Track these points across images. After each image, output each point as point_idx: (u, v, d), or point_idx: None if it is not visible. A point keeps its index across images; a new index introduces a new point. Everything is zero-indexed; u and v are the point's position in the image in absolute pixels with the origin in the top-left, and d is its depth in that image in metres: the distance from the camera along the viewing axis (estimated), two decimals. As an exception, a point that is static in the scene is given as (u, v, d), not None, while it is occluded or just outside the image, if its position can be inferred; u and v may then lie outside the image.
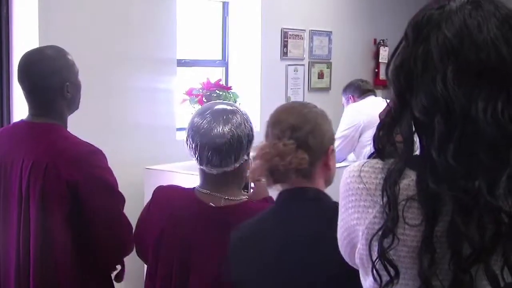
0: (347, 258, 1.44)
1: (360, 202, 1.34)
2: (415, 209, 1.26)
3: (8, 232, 2.48)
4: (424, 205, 1.24)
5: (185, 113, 5.66)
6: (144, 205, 2.45)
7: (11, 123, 4.38)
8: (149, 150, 4.94)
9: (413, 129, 1.28)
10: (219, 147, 2.20)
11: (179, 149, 5.16)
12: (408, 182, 1.27)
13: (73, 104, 2.63)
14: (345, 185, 1.38)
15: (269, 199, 2.53)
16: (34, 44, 4.29)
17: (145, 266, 2.77)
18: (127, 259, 2.71)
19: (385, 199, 1.27)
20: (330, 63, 6.97)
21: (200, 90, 5.64)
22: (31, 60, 2.59)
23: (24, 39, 4.40)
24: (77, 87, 2.63)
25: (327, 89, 6.94)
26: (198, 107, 5.56)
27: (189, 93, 5.64)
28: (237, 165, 2.25)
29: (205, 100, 5.56)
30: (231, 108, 2.31)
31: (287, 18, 6.42)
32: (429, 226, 1.23)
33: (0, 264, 2.51)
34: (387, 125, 1.33)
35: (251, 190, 2.57)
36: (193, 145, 2.24)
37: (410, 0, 8.10)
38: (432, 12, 1.29)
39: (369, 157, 1.38)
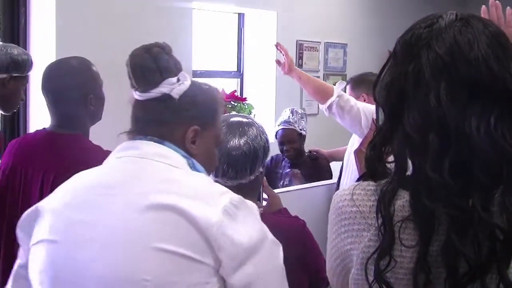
0: (338, 286, 1.42)
1: (353, 226, 1.32)
2: (411, 230, 1.25)
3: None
4: (419, 224, 1.23)
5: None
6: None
7: (29, 131, 4.42)
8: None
9: (406, 148, 1.27)
10: (235, 160, 2.20)
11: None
12: (402, 203, 1.26)
13: (96, 116, 2.62)
14: (337, 210, 1.35)
15: (283, 211, 2.53)
16: (51, 55, 4.33)
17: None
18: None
19: (380, 221, 1.26)
20: (345, 75, 6.98)
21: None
22: (55, 71, 2.60)
23: (42, 49, 4.43)
24: (100, 100, 2.62)
25: (341, 101, 6.91)
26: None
27: (204, 104, 5.67)
28: (252, 177, 2.25)
29: (220, 111, 5.58)
30: (246, 120, 2.31)
31: (302, 30, 6.43)
32: (424, 245, 1.22)
33: None
34: (378, 145, 1.32)
35: (264, 202, 2.57)
36: None
37: (425, 12, 8.10)
38: (421, 31, 1.29)
39: (359, 179, 1.37)
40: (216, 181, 2.28)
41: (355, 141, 3.88)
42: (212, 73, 6.00)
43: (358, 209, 1.31)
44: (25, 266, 1.60)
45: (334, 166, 4.94)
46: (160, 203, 1.44)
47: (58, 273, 1.49)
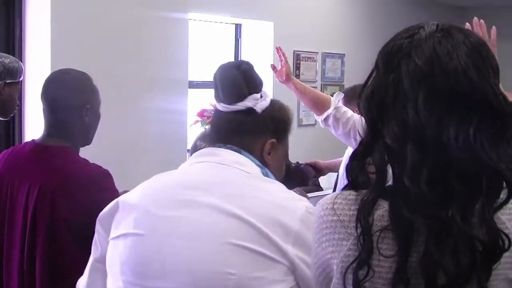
0: None
1: (334, 235, 1.31)
2: (389, 239, 1.24)
3: (10, 257, 2.46)
4: (398, 234, 1.22)
5: (196, 134, 5.66)
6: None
7: (24, 138, 4.41)
8: (160, 170, 4.90)
9: (386, 158, 1.27)
10: None
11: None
12: (382, 212, 1.26)
13: (89, 129, 2.58)
14: (319, 219, 1.35)
15: None
16: (47, 66, 4.32)
17: None
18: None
19: (359, 230, 1.25)
20: (343, 85, 6.97)
21: (212, 112, 5.64)
22: (56, 77, 2.61)
23: (37, 60, 4.42)
24: (96, 115, 2.60)
25: (339, 111, 6.91)
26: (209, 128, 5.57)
27: (201, 114, 5.65)
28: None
29: (216, 122, 5.56)
30: None
31: (299, 41, 6.43)
32: (403, 256, 1.21)
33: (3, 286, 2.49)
34: (360, 155, 1.32)
35: None
36: None
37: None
38: (402, 42, 1.28)
39: (343, 189, 1.37)
40: None
41: (350, 152, 3.85)
42: (209, 84, 5.96)
43: (338, 218, 1.31)
44: (101, 259, 1.75)
45: (330, 178, 4.90)
46: (242, 206, 1.58)
47: (146, 264, 1.62)
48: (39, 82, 4.33)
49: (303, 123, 6.51)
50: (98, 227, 1.77)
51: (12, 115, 3.18)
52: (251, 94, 1.81)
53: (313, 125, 6.59)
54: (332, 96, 3.62)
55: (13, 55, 4.32)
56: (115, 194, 2.47)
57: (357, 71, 7.10)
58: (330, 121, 3.54)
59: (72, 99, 2.53)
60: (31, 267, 2.39)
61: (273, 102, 1.88)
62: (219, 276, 1.53)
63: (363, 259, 1.24)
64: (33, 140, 2.60)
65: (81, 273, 2.38)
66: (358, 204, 1.28)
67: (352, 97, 4.09)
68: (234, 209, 1.57)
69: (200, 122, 5.66)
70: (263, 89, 1.86)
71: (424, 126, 1.21)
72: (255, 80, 1.85)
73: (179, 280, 1.57)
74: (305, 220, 1.57)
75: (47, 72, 4.31)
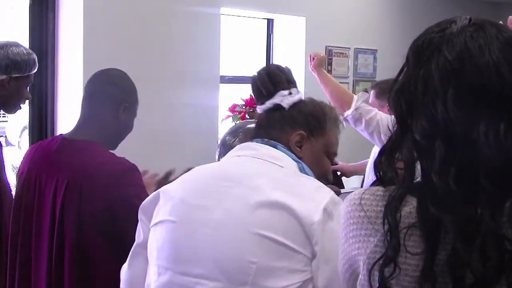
0: None
1: (361, 231, 1.30)
2: (416, 237, 1.22)
3: (39, 251, 2.47)
4: (425, 232, 1.20)
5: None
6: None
7: (57, 131, 4.46)
8: (191, 165, 4.90)
9: (414, 154, 1.25)
10: None
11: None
12: (410, 209, 1.24)
13: (120, 131, 2.59)
14: (346, 214, 1.34)
15: None
16: (79, 59, 4.35)
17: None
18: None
19: (386, 227, 1.24)
20: (375, 81, 6.90)
21: (243, 107, 5.64)
22: (99, 73, 2.62)
23: (69, 52, 4.45)
24: (131, 116, 2.60)
25: (371, 107, 6.87)
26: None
27: (232, 109, 5.65)
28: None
29: (247, 117, 5.56)
30: None
31: (331, 36, 6.40)
32: (430, 254, 1.19)
33: (32, 281, 2.50)
34: (388, 151, 1.30)
35: None
36: None
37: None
38: (433, 36, 1.26)
39: (372, 184, 1.35)
40: None
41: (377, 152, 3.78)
42: (240, 79, 5.97)
43: (365, 214, 1.30)
44: (142, 245, 1.83)
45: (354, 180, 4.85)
46: (270, 198, 1.63)
47: (177, 250, 1.70)
48: (72, 76, 4.41)
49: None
50: (140, 215, 1.86)
51: (17, 110, 3.08)
52: (278, 91, 1.91)
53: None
54: (357, 94, 3.58)
55: (46, 50, 4.38)
56: (141, 189, 2.47)
57: (390, 67, 7.00)
58: (350, 122, 3.50)
59: (110, 94, 2.54)
60: (60, 261, 2.40)
61: (307, 99, 1.95)
62: (241, 264, 1.59)
63: (389, 256, 1.22)
64: (61, 134, 2.61)
65: (108, 266, 2.41)
66: (385, 200, 1.26)
67: (384, 91, 4.00)
68: (263, 202, 1.63)
69: (231, 117, 5.66)
70: (294, 87, 1.95)
71: (453, 122, 1.19)
72: (280, 77, 1.95)
73: (206, 267, 1.64)
74: (329, 211, 1.62)
75: (79, 67, 4.37)
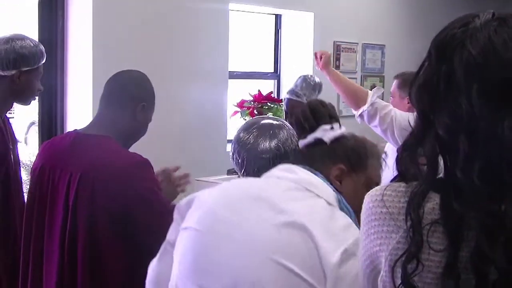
0: (367, 286, 1.38)
1: (383, 227, 1.29)
2: (440, 233, 1.21)
3: (51, 245, 2.49)
4: (448, 229, 1.20)
5: (236, 125, 5.68)
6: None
7: (66, 127, 4.47)
8: (200, 161, 4.96)
9: (437, 150, 1.24)
10: (265, 163, 2.18)
11: (230, 161, 5.20)
12: (432, 205, 1.23)
13: (135, 131, 2.61)
14: (367, 210, 1.33)
15: None
16: (88, 55, 4.37)
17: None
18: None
19: (408, 223, 1.23)
20: (383, 76, 6.93)
21: (251, 103, 5.65)
22: (125, 70, 2.66)
23: (78, 49, 4.47)
24: (147, 117, 2.62)
25: (379, 102, 6.88)
26: (249, 119, 5.57)
27: (240, 105, 5.66)
28: (283, 179, 2.23)
29: (256, 113, 5.56)
30: (277, 123, 2.28)
31: (339, 31, 6.40)
32: (453, 250, 1.18)
33: (43, 275, 2.52)
34: (410, 146, 1.28)
35: None
36: (239, 160, 2.22)
37: (467, 11, 8.01)
38: (456, 31, 1.24)
39: (392, 180, 1.34)
40: None
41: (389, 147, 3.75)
42: (249, 74, 5.99)
43: (387, 210, 1.29)
44: (173, 244, 1.82)
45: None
46: (297, 222, 1.61)
47: (198, 260, 1.69)
48: (81, 72, 4.43)
49: (342, 114, 6.48)
50: (176, 214, 1.86)
51: (32, 101, 3.13)
52: (320, 125, 1.92)
53: (353, 116, 6.56)
54: (373, 89, 3.55)
55: (55, 46, 4.40)
56: (154, 183, 2.49)
57: (398, 62, 7.04)
58: (366, 118, 3.47)
59: (130, 92, 2.56)
60: (72, 255, 2.41)
61: (347, 134, 1.95)
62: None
63: (412, 252, 1.21)
64: (75, 130, 2.63)
65: (121, 260, 2.43)
66: (408, 197, 1.25)
67: (407, 82, 3.92)
68: (288, 223, 1.62)
69: (239, 113, 5.67)
70: (336, 122, 1.95)
71: (477, 117, 1.18)
72: (322, 112, 1.96)
73: (222, 282, 1.64)
74: (351, 251, 1.58)
75: (88, 63, 4.39)
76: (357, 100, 3.52)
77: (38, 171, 2.57)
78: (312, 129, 1.94)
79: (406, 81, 3.91)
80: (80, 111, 4.46)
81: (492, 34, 1.21)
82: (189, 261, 1.71)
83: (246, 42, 6.03)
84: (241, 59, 5.87)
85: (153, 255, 2.53)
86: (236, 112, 5.69)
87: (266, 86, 6.03)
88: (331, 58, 3.68)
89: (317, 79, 4.88)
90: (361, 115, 3.47)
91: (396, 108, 3.90)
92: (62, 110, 4.53)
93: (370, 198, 1.34)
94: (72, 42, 4.51)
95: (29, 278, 2.56)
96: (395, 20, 7.11)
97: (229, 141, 5.49)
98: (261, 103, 5.65)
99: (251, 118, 5.51)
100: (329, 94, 5.77)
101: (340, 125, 1.95)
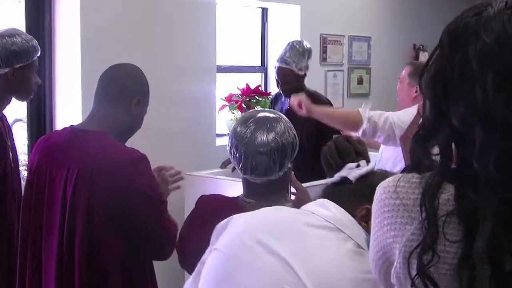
0: (381, 278, 1.39)
1: (396, 219, 1.29)
2: (455, 224, 1.21)
3: (49, 240, 2.49)
4: (464, 219, 1.20)
5: (224, 119, 5.68)
6: (185, 212, 2.45)
7: (55, 126, 4.45)
8: (189, 156, 4.95)
9: (451, 140, 1.24)
10: (263, 156, 2.19)
11: (219, 155, 5.19)
12: (447, 196, 1.23)
13: (130, 125, 2.62)
14: (380, 202, 1.33)
15: None
16: (77, 53, 4.35)
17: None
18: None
19: (423, 214, 1.23)
20: (369, 68, 6.94)
21: (240, 96, 5.65)
22: (119, 64, 2.68)
23: (66, 43, 4.45)
24: (142, 111, 2.63)
25: (366, 94, 6.91)
26: (237, 113, 5.57)
27: (229, 99, 5.66)
28: (281, 173, 2.24)
29: (244, 106, 5.56)
30: (274, 116, 2.29)
31: (326, 24, 6.40)
32: (469, 241, 1.19)
33: (42, 273, 2.52)
34: (423, 137, 1.29)
35: (293, 197, 2.55)
36: (237, 154, 2.23)
37: (449, 5, 8.04)
38: (469, 20, 1.24)
39: (403, 171, 1.36)
40: (244, 179, 2.27)
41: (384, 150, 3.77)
42: (236, 68, 5.98)
43: (401, 202, 1.29)
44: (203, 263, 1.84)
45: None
46: (313, 270, 1.62)
47: (218, 280, 1.72)
48: (69, 68, 4.41)
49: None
50: (213, 236, 1.85)
51: (30, 96, 3.14)
52: (345, 163, 1.90)
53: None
54: (363, 106, 3.55)
55: (43, 41, 4.37)
56: (152, 179, 2.50)
57: (384, 54, 7.08)
58: (368, 134, 3.48)
59: (125, 87, 2.57)
60: (70, 250, 2.42)
61: (375, 170, 1.93)
62: None
63: (428, 244, 1.21)
64: (71, 125, 2.63)
65: (116, 255, 2.43)
66: (422, 188, 1.25)
67: (417, 71, 3.85)
68: (299, 270, 1.62)
69: (228, 107, 5.67)
70: (364, 158, 1.93)
71: (493, 107, 1.17)
72: (348, 149, 1.94)
73: None
74: None
75: (77, 59, 4.37)
76: (352, 123, 3.55)
77: (35, 167, 2.57)
78: (338, 167, 1.91)
79: (418, 70, 3.83)
80: (69, 108, 4.44)
81: (506, 22, 1.20)
82: (211, 280, 1.73)
83: (233, 36, 6.02)
84: (228, 53, 5.86)
85: (150, 251, 2.54)
86: (224, 106, 5.69)
87: (253, 80, 6.03)
88: (308, 100, 3.65)
89: (306, 45, 4.82)
90: (363, 134, 3.48)
91: (401, 94, 3.91)
92: (51, 106, 4.51)
93: (382, 190, 1.33)
94: (59, 38, 4.49)
95: (27, 274, 2.56)
96: (380, 12, 7.12)
97: (218, 135, 5.51)
98: (249, 97, 5.65)
99: (240, 112, 5.52)
100: (316, 87, 5.79)
101: (368, 161, 1.92)
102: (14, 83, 3.01)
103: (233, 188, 3.91)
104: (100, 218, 2.40)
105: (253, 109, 2.38)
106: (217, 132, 5.48)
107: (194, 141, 5.09)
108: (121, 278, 2.45)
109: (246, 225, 1.76)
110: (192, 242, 2.32)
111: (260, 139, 2.20)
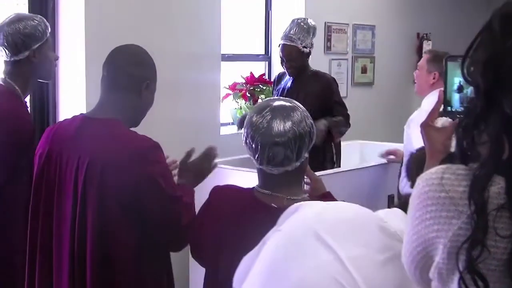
0: (416, 274, 1.35)
1: (441, 212, 1.24)
2: (506, 218, 1.17)
3: (61, 230, 2.44)
4: None
5: (228, 108, 5.62)
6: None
7: (58, 116, 4.39)
8: (193, 145, 4.88)
9: (503, 129, 1.19)
10: (280, 146, 2.13)
11: (224, 144, 5.13)
12: (498, 189, 1.18)
13: (141, 109, 2.57)
14: (422, 195, 1.28)
15: (327, 195, 2.46)
16: (80, 40, 4.29)
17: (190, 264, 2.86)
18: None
19: (472, 208, 1.18)
20: (374, 57, 6.89)
21: (244, 85, 5.59)
22: (120, 49, 2.60)
23: (70, 34, 4.39)
24: (151, 94, 2.58)
25: (370, 83, 6.87)
26: (242, 102, 5.51)
27: (233, 87, 5.60)
28: (298, 163, 2.17)
29: (248, 95, 5.51)
30: (290, 104, 2.22)
31: (330, 12, 6.34)
32: None
33: (53, 263, 2.47)
34: (470, 126, 1.24)
35: (307, 187, 2.50)
36: (253, 145, 2.16)
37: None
38: None
39: (443, 161, 1.31)
40: (260, 169, 2.21)
41: (412, 122, 3.77)
42: (240, 57, 5.92)
43: (447, 195, 1.23)
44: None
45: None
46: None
47: (276, 260, 1.65)
48: (72, 57, 4.35)
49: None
50: (281, 217, 1.78)
51: (53, 75, 3.24)
52: None
53: (344, 98, 6.52)
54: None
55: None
56: (165, 167, 2.44)
57: (388, 43, 7.03)
58: None
59: (132, 73, 2.51)
60: (82, 241, 2.36)
61: None
62: None
63: (477, 238, 1.17)
64: (81, 113, 2.56)
65: (131, 246, 2.38)
66: (469, 180, 1.20)
67: (438, 60, 3.90)
68: (356, 275, 1.55)
69: (232, 96, 5.61)
70: None
71: None
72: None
73: None
74: None
75: (81, 48, 4.31)
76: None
77: (44, 156, 2.50)
78: None
79: (437, 57, 3.94)
80: (72, 96, 4.39)
81: None
82: (269, 259, 1.67)
83: (236, 24, 5.96)
84: (232, 41, 5.79)
85: (163, 241, 2.49)
86: (228, 95, 5.63)
87: (257, 68, 5.97)
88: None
89: (311, 22, 4.76)
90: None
91: (419, 81, 3.99)
92: (54, 95, 4.46)
93: (425, 182, 1.28)
94: (62, 26, 4.43)
95: (36, 268, 2.51)
96: (385, 0, 7.07)
97: (223, 124, 5.45)
98: (253, 86, 5.60)
99: (244, 100, 5.47)
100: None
101: None
102: (37, 64, 3.07)
103: (238, 177, 3.88)
104: (112, 209, 2.34)
105: (269, 98, 2.30)
106: (222, 121, 5.42)
107: (198, 130, 5.03)
108: (135, 271, 2.40)
109: (317, 217, 1.68)
110: (206, 233, 2.27)
111: (276, 129, 2.13)
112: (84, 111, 4.18)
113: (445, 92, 1.65)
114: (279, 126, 2.14)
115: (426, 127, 1.74)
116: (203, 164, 2.68)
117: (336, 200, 2.39)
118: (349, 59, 6.60)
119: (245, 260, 1.82)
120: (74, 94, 4.37)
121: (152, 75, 2.57)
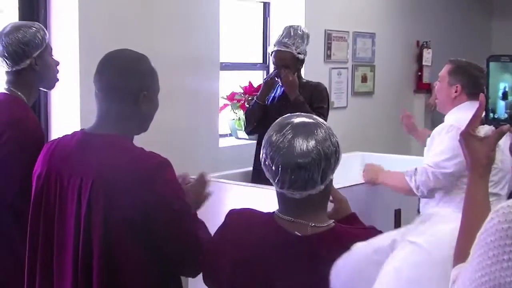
0: None
1: None
2: None
3: (62, 261, 2.23)
4: None
5: (226, 119, 5.43)
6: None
7: (51, 130, 4.21)
8: (191, 155, 4.70)
9: None
10: (303, 168, 1.92)
11: (223, 157, 4.96)
12: None
13: (143, 121, 2.36)
14: (499, 231, 1.10)
15: (352, 216, 2.27)
16: (75, 46, 4.11)
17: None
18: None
19: None
20: (374, 66, 6.74)
21: (242, 95, 5.41)
22: (110, 58, 2.35)
23: (64, 38, 4.24)
24: (153, 103, 2.35)
25: (370, 93, 6.72)
26: (240, 113, 5.31)
27: (231, 98, 5.41)
28: (323, 186, 1.96)
29: (247, 105, 5.32)
30: (312, 121, 2.01)
31: (330, 20, 6.20)
32: None
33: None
34: None
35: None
36: (273, 167, 1.94)
37: (453, 3, 7.91)
38: None
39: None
40: (281, 193, 2.01)
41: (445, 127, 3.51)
42: (238, 65, 5.73)
43: None
44: (383, 250, 1.70)
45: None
46: None
47: (413, 279, 1.53)
48: (66, 62, 4.16)
49: (334, 106, 6.29)
50: (413, 224, 1.67)
51: (57, 81, 3.17)
52: None
53: (344, 107, 6.37)
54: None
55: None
56: (177, 187, 2.23)
57: (388, 51, 6.89)
58: (429, 194, 3.49)
59: (128, 85, 2.27)
60: (88, 271, 2.15)
61: None
62: None
63: None
64: (82, 129, 2.34)
65: (141, 274, 2.17)
66: None
67: (460, 73, 3.66)
68: None
69: (230, 106, 5.42)
70: None
71: None
72: None
73: None
74: None
75: (75, 53, 4.12)
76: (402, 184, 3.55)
77: (43, 177, 2.28)
78: None
79: (460, 68, 3.64)
80: (66, 104, 4.22)
81: None
82: (404, 279, 1.51)
83: (234, 32, 5.78)
84: (229, 50, 5.61)
85: (175, 266, 2.28)
86: (225, 105, 5.44)
87: (254, 77, 5.78)
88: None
89: (305, 29, 4.56)
90: (422, 195, 3.51)
91: (440, 94, 3.73)
92: (46, 103, 4.31)
93: (502, 217, 1.10)
94: (55, 29, 4.24)
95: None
96: (385, 8, 6.95)
97: (221, 135, 5.26)
98: (252, 95, 5.41)
99: (242, 111, 5.27)
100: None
101: None
102: (40, 71, 3.04)
103: (237, 192, 3.70)
104: (120, 234, 2.12)
105: (288, 114, 2.08)
106: (221, 132, 5.24)
107: (196, 141, 4.85)
108: None
109: (453, 235, 1.49)
110: (224, 258, 2.04)
111: (299, 149, 1.92)
112: (78, 120, 4.19)
113: (486, 97, 1.49)
114: (301, 145, 1.92)
115: (467, 136, 1.55)
116: (200, 191, 2.47)
117: (361, 222, 2.20)
118: (349, 67, 6.45)
119: (351, 263, 1.76)
120: (68, 103, 4.21)
121: (149, 83, 2.33)
